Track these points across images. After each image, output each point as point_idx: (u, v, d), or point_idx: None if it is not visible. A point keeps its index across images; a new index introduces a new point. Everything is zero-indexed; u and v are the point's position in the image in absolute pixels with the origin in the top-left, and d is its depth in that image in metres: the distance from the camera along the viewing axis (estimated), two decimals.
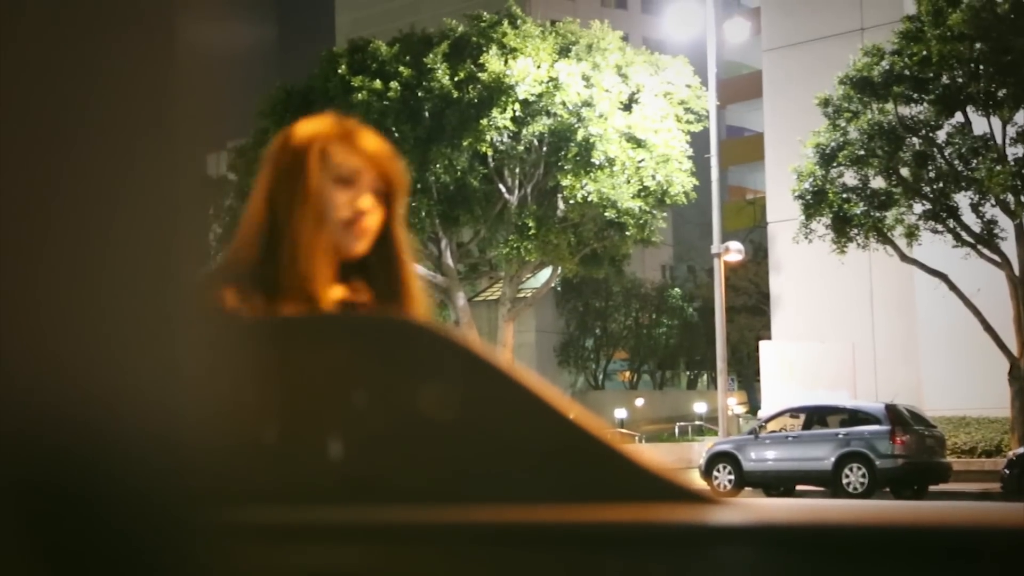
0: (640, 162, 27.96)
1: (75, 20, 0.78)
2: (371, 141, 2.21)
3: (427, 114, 27.79)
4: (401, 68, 28.13)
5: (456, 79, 27.60)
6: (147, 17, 0.81)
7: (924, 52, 22.38)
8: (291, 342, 1.40)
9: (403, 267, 2.20)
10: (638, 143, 28.15)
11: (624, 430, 39.12)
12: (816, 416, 22.00)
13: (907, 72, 22.73)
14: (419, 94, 27.85)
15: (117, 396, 0.81)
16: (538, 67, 27.54)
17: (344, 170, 2.16)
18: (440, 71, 27.67)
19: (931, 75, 22.59)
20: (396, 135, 27.94)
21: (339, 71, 28.61)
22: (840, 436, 21.19)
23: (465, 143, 27.26)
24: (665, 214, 29.95)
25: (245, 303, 2.02)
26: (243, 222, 2.21)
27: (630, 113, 28.46)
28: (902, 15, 24.27)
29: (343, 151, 2.18)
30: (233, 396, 1.10)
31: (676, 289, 52.21)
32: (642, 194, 28.11)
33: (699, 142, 29.99)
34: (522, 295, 32.40)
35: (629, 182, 27.81)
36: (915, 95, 22.86)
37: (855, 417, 21.49)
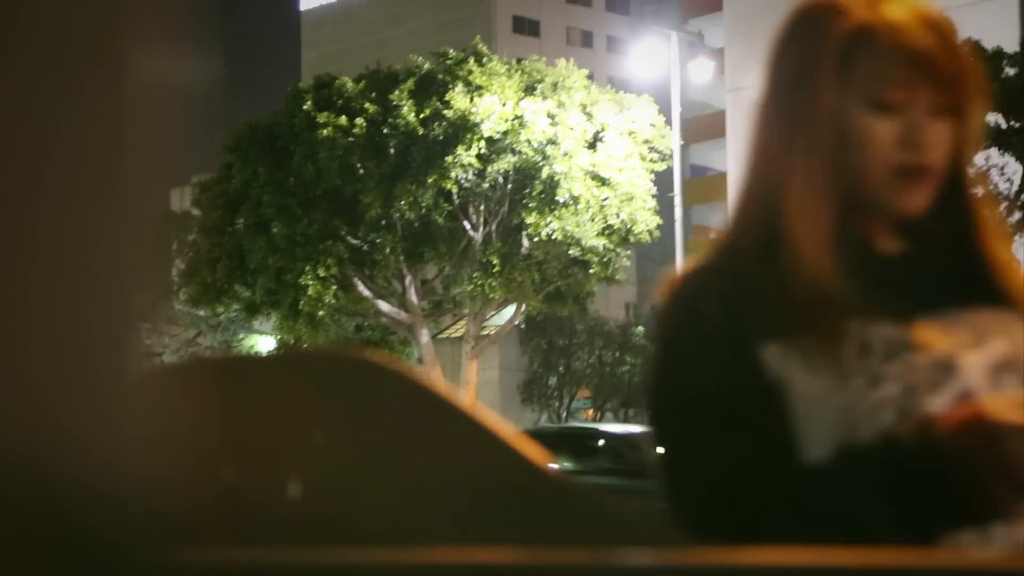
0: (604, 200, 28.06)
1: (25, 56, 0.77)
2: (924, 22, 1.32)
3: (392, 151, 27.82)
4: (367, 105, 28.16)
5: (422, 116, 27.66)
6: (103, 51, 0.80)
7: None
8: (244, 381, 1.38)
9: (980, 226, 1.39)
10: (603, 181, 28.25)
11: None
12: None
13: None
14: (384, 131, 27.87)
15: (65, 431, 0.80)
16: (504, 105, 27.64)
17: (887, 85, 1.32)
18: (406, 108, 27.73)
19: None
20: (361, 171, 27.94)
21: (304, 107, 28.60)
22: None
23: (430, 180, 27.29)
24: (629, 252, 30.05)
25: (738, 312, 1.32)
26: (743, 175, 1.44)
27: (595, 151, 28.58)
28: None
29: (882, 49, 1.32)
30: (181, 434, 1.08)
31: (640, 327, 52.32)
32: (606, 232, 28.19)
33: (663, 181, 30.13)
34: (486, 333, 32.39)
35: (593, 220, 27.89)
36: None
37: None
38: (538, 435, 21.75)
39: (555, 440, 20.80)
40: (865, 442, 1.28)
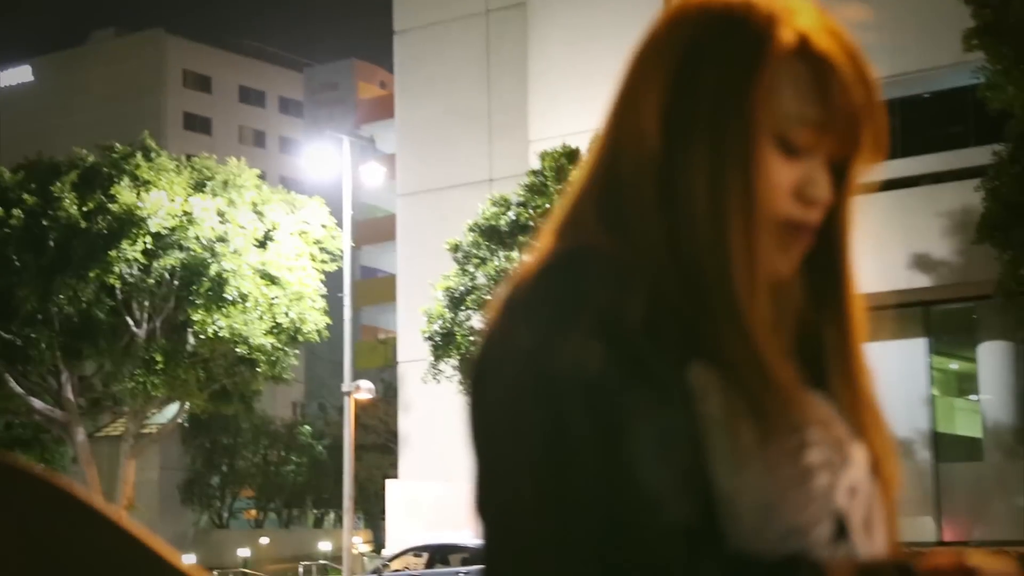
0: (273, 299, 27.94)
1: None
2: (853, 55, 1.07)
3: (52, 243, 26.85)
4: (25, 195, 27.14)
5: (85, 209, 26.87)
6: None
7: (547, 204, 23.66)
8: None
9: (852, 304, 1.14)
10: (272, 280, 28.15)
11: (247, 570, 38.19)
12: (439, 554, 22.33)
13: (531, 223, 23.92)
14: (44, 223, 26.91)
15: None
16: (172, 200, 27.22)
17: (800, 125, 1.06)
18: (68, 200, 26.89)
19: None
20: (17, 264, 26.81)
21: None
22: (462, 574, 21.58)
23: (92, 274, 26.46)
24: (297, 351, 29.94)
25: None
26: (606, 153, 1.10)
27: (265, 250, 28.48)
28: (528, 169, 25.59)
29: (809, 80, 1.06)
30: None
31: (307, 426, 51.88)
32: (275, 331, 28.03)
33: (333, 281, 30.31)
34: (147, 431, 31.40)
35: (262, 318, 27.69)
36: None
37: (477, 556, 21.93)
38: None
39: None
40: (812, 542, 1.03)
